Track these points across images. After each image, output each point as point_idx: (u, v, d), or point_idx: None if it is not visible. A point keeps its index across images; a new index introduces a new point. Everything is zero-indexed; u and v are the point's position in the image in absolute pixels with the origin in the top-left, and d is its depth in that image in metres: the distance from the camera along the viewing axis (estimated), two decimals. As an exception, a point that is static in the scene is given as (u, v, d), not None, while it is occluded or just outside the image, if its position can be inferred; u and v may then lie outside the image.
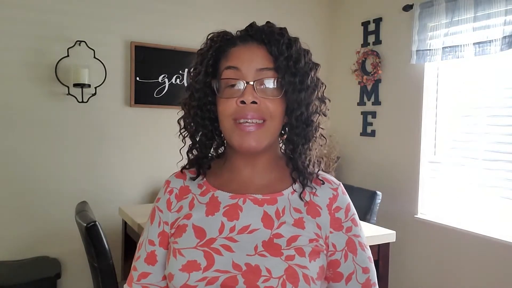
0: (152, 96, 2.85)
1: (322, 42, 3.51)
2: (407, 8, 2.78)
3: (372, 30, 3.14)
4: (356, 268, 0.83)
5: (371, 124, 3.14)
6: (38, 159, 2.55)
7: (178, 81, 2.93)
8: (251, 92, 0.78)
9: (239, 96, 0.78)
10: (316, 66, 0.85)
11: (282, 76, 0.79)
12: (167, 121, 2.80)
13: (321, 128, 0.86)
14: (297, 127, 0.83)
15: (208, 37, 0.85)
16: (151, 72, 2.85)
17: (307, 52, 0.84)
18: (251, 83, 0.78)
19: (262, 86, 0.79)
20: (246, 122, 0.78)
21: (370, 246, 0.89)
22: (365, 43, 3.18)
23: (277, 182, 0.86)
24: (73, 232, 2.13)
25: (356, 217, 0.87)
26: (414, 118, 2.81)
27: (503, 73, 2.35)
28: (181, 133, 0.88)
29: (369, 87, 3.14)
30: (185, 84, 1.00)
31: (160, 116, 2.87)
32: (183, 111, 0.88)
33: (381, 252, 2.05)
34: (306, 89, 0.81)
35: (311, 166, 0.85)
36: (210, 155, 0.89)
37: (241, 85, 0.79)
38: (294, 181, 0.85)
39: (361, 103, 3.21)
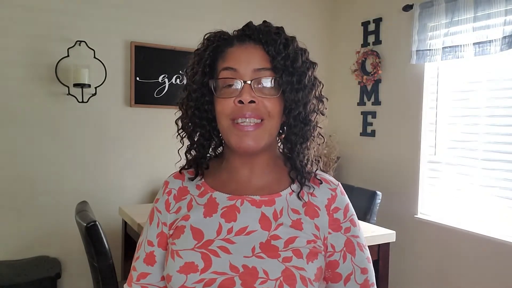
0: (152, 96, 2.85)
1: (322, 42, 3.51)
2: (407, 8, 2.78)
3: (372, 30, 3.13)
4: (355, 268, 0.83)
5: (371, 124, 3.14)
6: (38, 159, 2.56)
7: (178, 81, 2.93)
8: (249, 92, 0.78)
9: (237, 96, 0.78)
10: (313, 65, 0.84)
11: (280, 75, 0.79)
12: (167, 121, 2.77)
13: (319, 127, 0.86)
14: (295, 126, 0.82)
15: (205, 37, 0.85)
16: (151, 72, 2.85)
17: (304, 51, 0.84)
18: (249, 82, 0.78)
19: (259, 85, 0.79)
20: (244, 122, 0.78)
21: (370, 246, 0.89)
22: (365, 43, 3.18)
23: (275, 183, 0.86)
24: (73, 232, 2.13)
25: (355, 217, 0.86)
26: (414, 118, 2.80)
27: (503, 73, 2.35)
28: (179, 134, 0.88)
29: (369, 87, 3.14)
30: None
31: (160, 116, 2.87)
32: (180, 112, 0.88)
33: (381, 252, 2.05)
34: (303, 88, 0.81)
35: (309, 165, 0.85)
36: (208, 155, 0.89)
37: (238, 84, 0.79)
38: (293, 181, 0.85)
39: (361, 103, 3.21)
